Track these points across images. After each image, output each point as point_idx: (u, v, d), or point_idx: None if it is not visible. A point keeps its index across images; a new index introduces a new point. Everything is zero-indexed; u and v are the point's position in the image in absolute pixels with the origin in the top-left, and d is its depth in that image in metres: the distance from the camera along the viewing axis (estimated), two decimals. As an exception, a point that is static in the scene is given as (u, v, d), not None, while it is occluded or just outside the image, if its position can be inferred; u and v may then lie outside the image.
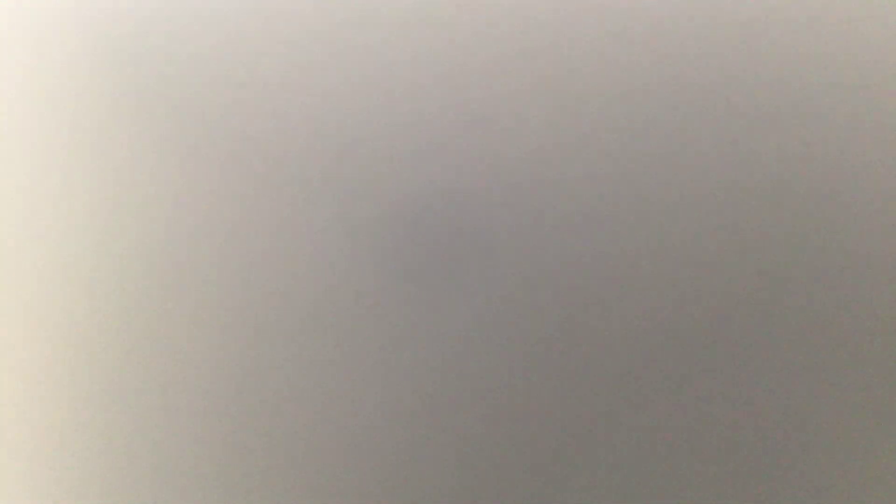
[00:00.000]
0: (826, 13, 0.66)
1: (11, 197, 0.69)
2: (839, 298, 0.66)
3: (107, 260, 0.68)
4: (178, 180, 0.68)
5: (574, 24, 0.66)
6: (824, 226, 0.66)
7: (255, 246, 0.67)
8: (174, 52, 0.68)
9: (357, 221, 0.67)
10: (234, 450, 0.67)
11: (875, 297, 0.66)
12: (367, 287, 0.67)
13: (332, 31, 0.67)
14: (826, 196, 0.66)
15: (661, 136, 0.66)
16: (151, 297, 0.68)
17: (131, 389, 0.68)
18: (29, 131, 0.69)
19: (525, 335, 0.66)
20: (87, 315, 0.68)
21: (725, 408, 0.66)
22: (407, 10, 0.67)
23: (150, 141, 0.68)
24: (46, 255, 0.69)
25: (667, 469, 0.66)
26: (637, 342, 0.66)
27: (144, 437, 0.68)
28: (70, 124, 0.69)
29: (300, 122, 0.67)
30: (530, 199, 0.66)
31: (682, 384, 0.66)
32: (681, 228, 0.66)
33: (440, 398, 0.66)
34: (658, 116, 0.66)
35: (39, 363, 0.69)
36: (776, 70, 0.66)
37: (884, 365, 0.65)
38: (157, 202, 0.68)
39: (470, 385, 0.66)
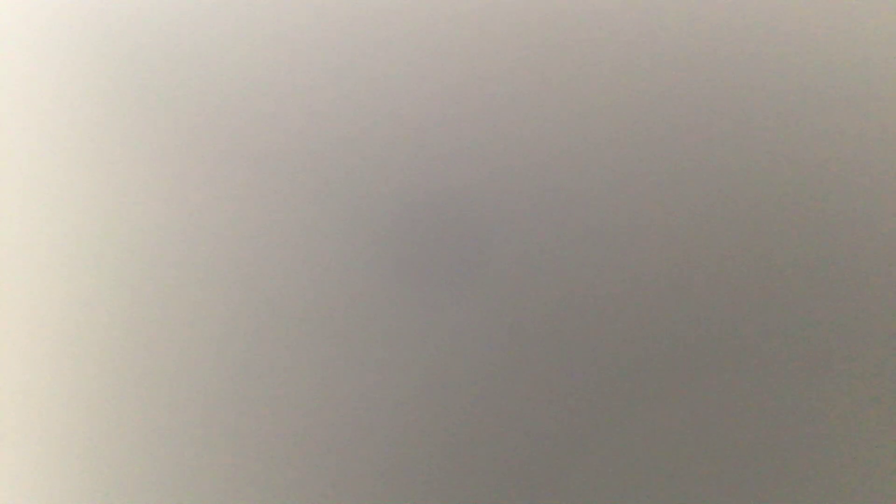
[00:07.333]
0: (826, 13, 0.66)
1: (11, 197, 0.69)
2: (839, 299, 0.66)
3: (107, 260, 0.68)
4: (179, 181, 0.68)
5: (577, 26, 0.66)
6: (823, 226, 0.66)
7: (255, 248, 0.67)
8: (176, 52, 0.68)
9: (357, 223, 0.67)
10: (235, 450, 0.67)
11: (875, 297, 0.66)
12: (368, 289, 0.67)
13: (334, 31, 0.67)
14: (825, 197, 0.66)
15: (663, 139, 0.66)
16: (151, 299, 0.68)
17: (131, 389, 0.68)
18: (28, 131, 0.69)
19: (527, 337, 0.66)
20: (86, 315, 0.68)
21: (723, 409, 0.66)
22: (410, 10, 0.67)
23: (151, 142, 0.68)
24: (46, 255, 0.69)
25: (666, 470, 0.66)
26: (639, 344, 0.66)
27: (144, 438, 0.68)
28: (69, 124, 0.69)
29: (301, 123, 0.67)
30: (532, 201, 0.66)
31: (684, 385, 0.66)
32: (682, 230, 0.66)
33: (441, 399, 0.67)
34: (660, 118, 0.66)
35: (39, 363, 0.69)
36: (777, 72, 0.66)
37: (884, 365, 0.66)
38: (158, 205, 0.68)
39: (472, 387, 0.66)
